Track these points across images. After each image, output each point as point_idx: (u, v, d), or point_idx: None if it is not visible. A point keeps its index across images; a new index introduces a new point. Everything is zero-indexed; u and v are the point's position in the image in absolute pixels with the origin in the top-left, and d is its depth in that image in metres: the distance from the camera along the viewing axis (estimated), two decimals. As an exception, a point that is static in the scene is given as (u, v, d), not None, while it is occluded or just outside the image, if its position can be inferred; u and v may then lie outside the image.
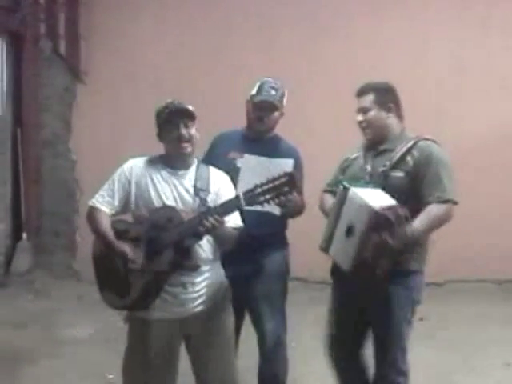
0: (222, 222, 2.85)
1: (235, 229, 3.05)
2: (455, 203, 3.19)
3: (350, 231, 3.01)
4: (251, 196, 2.79)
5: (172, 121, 3.02)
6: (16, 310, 5.98)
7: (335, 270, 3.35)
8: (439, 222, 3.16)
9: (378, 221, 2.89)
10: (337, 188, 3.31)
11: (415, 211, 3.09)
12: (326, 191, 3.55)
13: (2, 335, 5.33)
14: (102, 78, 6.98)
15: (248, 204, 2.80)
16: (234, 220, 3.01)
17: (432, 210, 3.12)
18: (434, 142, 3.30)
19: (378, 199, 2.99)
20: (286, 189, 2.78)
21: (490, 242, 6.68)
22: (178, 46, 6.90)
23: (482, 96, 6.74)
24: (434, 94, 6.71)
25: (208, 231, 2.84)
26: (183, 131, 3.01)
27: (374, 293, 3.19)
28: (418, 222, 3.07)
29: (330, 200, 3.41)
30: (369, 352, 3.47)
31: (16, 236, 7.04)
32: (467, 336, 5.39)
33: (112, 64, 6.98)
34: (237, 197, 2.84)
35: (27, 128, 7.08)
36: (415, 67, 6.74)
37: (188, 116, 3.04)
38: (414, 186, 3.18)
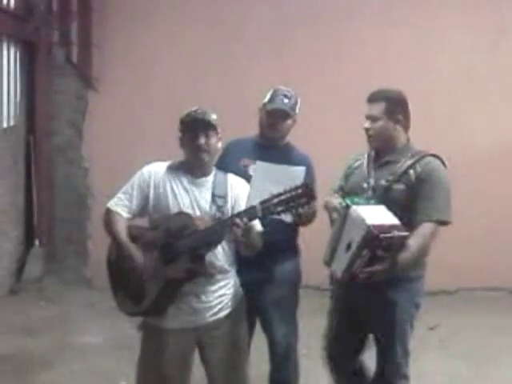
0: (245, 225, 2.82)
1: (257, 233, 3.04)
2: (444, 223, 3.20)
3: (348, 246, 3.04)
4: (268, 206, 2.79)
5: (192, 130, 3.03)
6: (28, 316, 5.99)
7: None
8: (429, 244, 3.20)
9: (372, 238, 2.90)
10: (342, 194, 3.40)
11: (411, 224, 3.12)
12: (330, 195, 3.57)
13: (14, 342, 5.34)
14: (115, 86, 7.01)
15: (264, 214, 2.80)
16: (255, 225, 2.99)
17: (422, 233, 3.13)
18: (440, 159, 3.31)
19: (378, 217, 3.01)
20: (303, 200, 2.78)
21: (501, 251, 6.66)
22: (190, 53, 6.92)
23: (495, 104, 6.72)
24: (445, 102, 6.70)
25: (232, 237, 2.85)
26: (202, 141, 3.01)
27: (378, 299, 3.22)
28: (410, 250, 3.05)
29: (333, 200, 3.41)
30: (369, 354, 3.51)
31: (28, 243, 7.06)
32: (479, 344, 5.37)
33: (124, 71, 7.01)
34: (253, 207, 2.83)
35: (40, 135, 7.10)
36: (427, 74, 6.73)
37: (208, 126, 3.04)
38: (412, 200, 3.19)
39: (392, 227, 2.95)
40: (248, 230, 2.86)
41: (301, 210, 2.86)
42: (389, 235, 2.90)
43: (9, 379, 4.61)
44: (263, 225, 3.12)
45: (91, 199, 7.06)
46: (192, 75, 6.87)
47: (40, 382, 4.63)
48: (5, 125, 6.60)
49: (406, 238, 2.97)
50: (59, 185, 7.21)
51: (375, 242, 2.90)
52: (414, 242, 3.07)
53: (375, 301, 3.23)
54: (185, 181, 3.09)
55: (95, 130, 7.08)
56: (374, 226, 2.90)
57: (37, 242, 7.04)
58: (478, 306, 6.42)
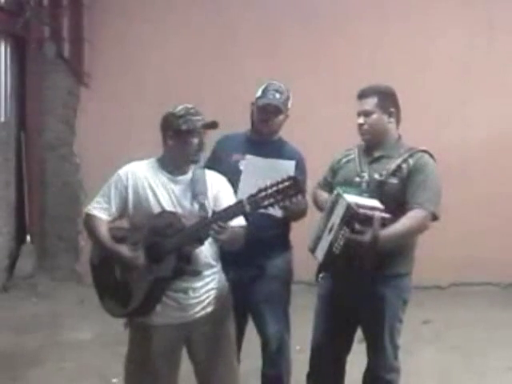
0: (227, 228, 2.83)
1: (241, 227, 3.03)
2: (435, 217, 3.19)
3: (330, 230, 3.05)
4: (255, 200, 2.78)
5: (196, 129, 3.00)
6: (19, 313, 5.99)
7: (323, 270, 3.36)
8: (417, 229, 3.17)
9: (351, 215, 2.92)
10: (328, 189, 3.38)
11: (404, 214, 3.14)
12: (316, 188, 3.58)
13: (5, 338, 5.33)
14: (106, 82, 6.99)
15: (252, 209, 2.79)
16: (237, 221, 2.97)
17: (411, 216, 3.12)
18: (431, 155, 3.33)
19: (364, 202, 3.03)
20: (290, 192, 2.78)
21: (493, 246, 6.67)
22: (182, 49, 6.91)
23: (489, 100, 6.73)
24: (440, 98, 6.70)
25: (214, 238, 2.84)
26: (204, 140, 3.03)
27: (366, 294, 3.23)
28: (395, 226, 3.05)
29: (323, 194, 3.44)
30: (360, 350, 3.50)
31: (20, 239, 7.05)
32: (471, 339, 5.38)
33: (116, 67, 6.99)
34: (240, 202, 2.82)
35: (31, 131, 7.09)
36: (420, 71, 6.73)
37: (214, 127, 3.05)
38: (405, 192, 3.20)
39: (374, 208, 2.98)
40: (228, 229, 2.84)
41: (288, 203, 2.86)
42: (368, 213, 2.93)
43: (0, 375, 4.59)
44: (251, 220, 3.11)
45: (83, 195, 7.03)
46: (184, 71, 6.86)
47: (31, 379, 4.61)
48: (-5, 121, 6.59)
49: (387, 220, 2.98)
50: (50, 181, 7.21)
51: (354, 218, 2.91)
52: (401, 221, 3.08)
53: (364, 297, 3.24)
54: (164, 179, 3.06)
55: (87, 126, 7.07)
56: (355, 204, 2.93)
57: (28, 239, 7.03)
58: (471, 300, 6.43)
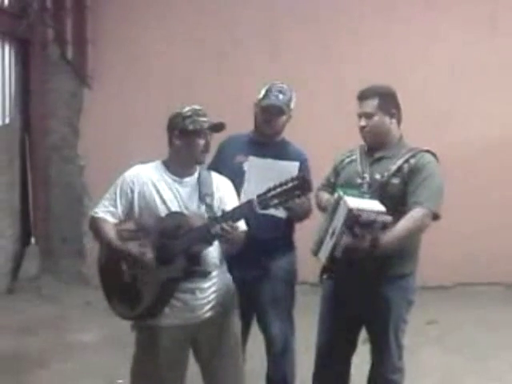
0: (236, 228, 2.84)
1: (242, 232, 3.03)
2: (436, 216, 3.19)
3: (333, 233, 3.06)
4: (264, 199, 2.77)
5: (203, 130, 3.00)
6: (24, 315, 5.98)
7: (326, 272, 3.37)
8: (417, 229, 3.17)
9: (352, 219, 2.93)
10: (331, 190, 3.39)
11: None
12: (319, 190, 3.57)
13: (10, 340, 5.33)
14: (110, 83, 6.99)
15: (263, 208, 2.79)
16: (240, 224, 2.97)
17: (411, 217, 3.12)
18: (434, 155, 3.32)
19: (365, 204, 3.03)
20: (298, 192, 2.78)
21: (497, 245, 6.66)
22: (185, 50, 6.90)
23: (488, 98, 6.71)
24: (439, 97, 6.69)
25: (223, 238, 2.83)
26: (210, 141, 3.04)
27: (370, 295, 3.24)
28: (395, 229, 3.05)
29: (325, 196, 3.45)
30: (364, 351, 3.52)
31: (24, 241, 7.05)
32: (476, 339, 5.37)
33: (119, 69, 6.98)
34: (250, 201, 2.81)
35: (35, 133, 7.09)
36: (421, 68, 6.73)
37: (221, 130, 3.06)
38: (406, 191, 3.20)
39: (375, 212, 2.98)
40: (236, 229, 2.86)
41: (297, 201, 2.86)
42: (370, 217, 2.94)
43: (5, 378, 4.59)
44: (255, 221, 3.10)
45: (87, 197, 7.03)
46: (188, 72, 6.86)
47: (37, 381, 4.61)
48: (0, 123, 6.58)
49: (389, 223, 2.99)
50: (55, 183, 7.20)
51: (355, 222, 2.92)
52: (401, 223, 3.08)
53: (368, 298, 3.25)
54: (170, 181, 3.07)
55: (90, 128, 7.06)
56: (356, 209, 2.93)
57: (33, 240, 7.02)
58: (476, 301, 6.42)
